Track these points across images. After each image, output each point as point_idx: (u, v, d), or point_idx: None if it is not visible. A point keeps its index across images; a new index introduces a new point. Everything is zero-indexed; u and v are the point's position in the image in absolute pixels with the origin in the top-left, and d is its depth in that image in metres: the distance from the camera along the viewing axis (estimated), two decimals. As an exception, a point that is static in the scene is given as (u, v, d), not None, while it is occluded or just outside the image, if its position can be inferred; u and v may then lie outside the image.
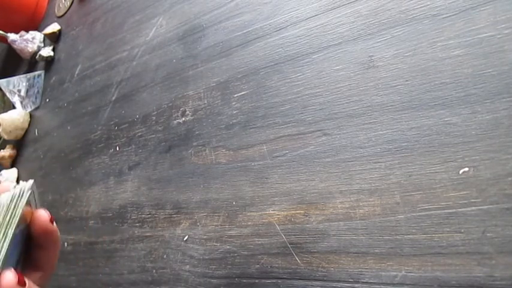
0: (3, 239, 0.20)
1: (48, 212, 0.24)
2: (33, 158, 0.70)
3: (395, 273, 0.25)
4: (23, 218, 0.22)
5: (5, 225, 0.21)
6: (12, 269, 0.20)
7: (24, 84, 0.77)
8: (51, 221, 0.24)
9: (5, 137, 0.74)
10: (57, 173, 0.61)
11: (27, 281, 0.21)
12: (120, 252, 0.44)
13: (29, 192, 0.22)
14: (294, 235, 0.30)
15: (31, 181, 0.23)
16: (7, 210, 0.21)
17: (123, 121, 0.52)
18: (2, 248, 0.20)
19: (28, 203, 0.22)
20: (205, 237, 0.36)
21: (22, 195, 0.22)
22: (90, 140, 0.57)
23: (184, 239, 0.38)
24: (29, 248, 0.24)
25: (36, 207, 0.24)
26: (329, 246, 0.28)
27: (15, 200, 0.21)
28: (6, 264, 0.20)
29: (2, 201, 0.21)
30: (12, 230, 0.21)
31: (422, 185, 0.26)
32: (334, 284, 0.27)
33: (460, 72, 0.26)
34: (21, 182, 0.23)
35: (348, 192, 0.29)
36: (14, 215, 0.21)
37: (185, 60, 0.47)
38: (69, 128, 0.63)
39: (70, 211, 0.55)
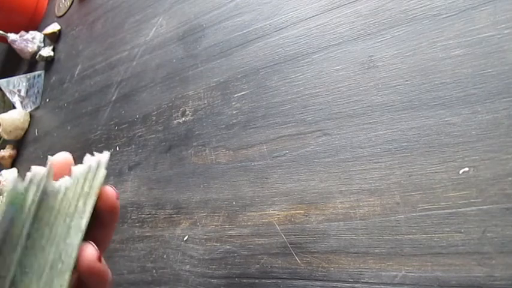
0: (83, 211, 0.20)
1: (115, 189, 0.23)
2: (33, 158, 0.70)
3: (395, 273, 0.25)
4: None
5: (84, 196, 0.20)
6: (93, 243, 0.20)
7: (24, 84, 0.77)
8: (117, 198, 0.23)
9: (5, 137, 0.74)
10: (57, 173, 0.61)
11: (102, 258, 0.20)
12: (120, 252, 0.44)
13: (106, 164, 0.21)
14: (294, 235, 0.30)
15: (107, 153, 0.22)
16: (84, 181, 0.20)
17: (123, 121, 0.52)
18: (82, 219, 0.20)
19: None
20: (205, 237, 0.36)
21: (99, 167, 0.21)
22: (90, 140, 0.57)
23: (184, 239, 0.38)
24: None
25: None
26: (329, 246, 0.28)
27: (93, 172, 0.21)
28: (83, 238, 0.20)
29: (76, 174, 0.20)
30: (92, 202, 0.20)
31: (422, 185, 0.26)
32: (334, 284, 0.27)
33: (460, 72, 0.26)
34: (96, 154, 0.22)
35: (348, 192, 0.29)
36: (93, 187, 0.20)
37: (185, 60, 0.47)
38: (69, 128, 0.63)
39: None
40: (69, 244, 0.19)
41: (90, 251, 0.20)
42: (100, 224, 0.23)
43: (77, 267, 0.20)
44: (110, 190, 0.22)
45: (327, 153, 0.31)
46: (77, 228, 0.20)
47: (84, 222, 0.20)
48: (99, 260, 0.21)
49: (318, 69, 0.34)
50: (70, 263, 0.19)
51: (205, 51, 0.45)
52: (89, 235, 0.23)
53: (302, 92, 0.34)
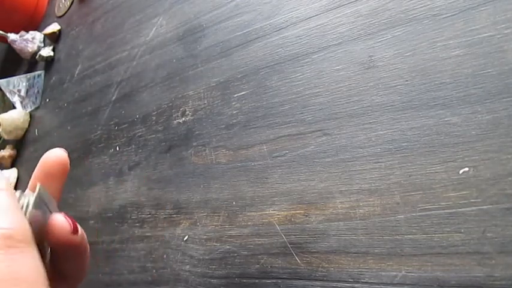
0: None
1: (69, 220, 0.19)
2: (33, 158, 0.70)
3: (395, 273, 0.25)
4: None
5: None
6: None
7: (24, 84, 0.77)
8: (74, 231, 0.19)
9: (5, 137, 0.74)
10: (57, 173, 0.61)
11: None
12: (120, 252, 0.44)
13: (33, 200, 0.18)
14: (294, 235, 0.30)
15: (38, 186, 0.19)
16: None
17: (123, 121, 0.52)
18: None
19: (37, 210, 0.18)
20: (205, 237, 0.36)
21: (28, 206, 0.18)
22: (90, 140, 0.57)
23: (184, 239, 0.38)
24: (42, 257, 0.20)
25: (50, 211, 0.20)
26: (329, 246, 0.28)
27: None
28: None
29: None
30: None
31: (422, 185, 0.26)
32: (334, 284, 0.27)
33: (460, 72, 0.26)
34: (27, 190, 0.19)
35: (348, 192, 0.29)
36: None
37: (185, 60, 0.47)
38: (69, 128, 0.63)
39: (70, 211, 0.55)
40: None
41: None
42: (62, 259, 0.20)
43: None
44: (61, 224, 0.19)
45: (327, 153, 0.31)
46: None
47: None
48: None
49: (318, 69, 0.34)
50: None
51: (205, 51, 0.45)
52: (55, 268, 0.21)
53: (302, 92, 0.34)
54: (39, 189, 0.19)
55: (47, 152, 0.22)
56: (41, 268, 0.16)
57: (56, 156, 0.22)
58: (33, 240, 0.17)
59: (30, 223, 0.17)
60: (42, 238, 0.19)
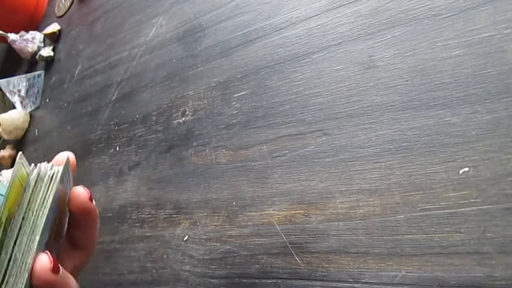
0: (35, 222, 0.19)
1: (87, 190, 0.22)
2: (33, 158, 0.69)
3: (395, 273, 0.25)
4: (56, 198, 0.20)
5: (37, 205, 0.19)
6: (48, 253, 0.19)
7: (24, 84, 0.77)
8: (90, 199, 0.22)
9: (5, 137, 0.74)
10: (57, 173, 0.61)
11: (61, 268, 0.19)
12: (120, 252, 0.44)
13: (61, 172, 0.20)
14: (294, 235, 0.30)
15: (65, 156, 0.21)
16: (34, 189, 0.20)
17: (123, 121, 0.52)
18: (34, 230, 0.19)
19: (61, 180, 0.21)
20: (205, 237, 0.36)
21: (55, 175, 0.20)
22: (90, 140, 0.57)
23: (184, 239, 0.38)
24: (62, 225, 0.23)
25: (70, 185, 0.23)
26: (329, 246, 0.28)
27: (45, 179, 0.20)
28: (39, 247, 0.19)
29: (30, 181, 0.20)
30: (46, 212, 0.19)
31: (422, 185, 0.26)
32: (334, 284, 0.27)
33: (460, 72, 0.26)
34: (56, 158, 0.21)
35: (348, 192, 0.29)
36: (47, 196, 0.20)
37: (185, 60, 0.47)
38: (69, 128, 0.63)
39: (70, 211, 0.54)
40: (29, 248, 0.19)
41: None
42: (78, 226, 0.23)
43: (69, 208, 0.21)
44: (81, 192, 0.22)
45: (327, 153, 0.31)
46: (37, 231, 0.19)
47: (40, 227, 0.19)
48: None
49: (318, 69, 0.34)
50: (26, 267, 0.18)
51: (205, 51, 0.45)
52: (69, 237, 0.23)
53: (302, 92, 0.34)
54: (66, 163, 0.21)
55: (57, 156, 0.23)
56: None
57: (64, 159, 0.23)
58: None
59: (57, 191, 0.20)
60: (64, 205, 0.22)
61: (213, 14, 0.46)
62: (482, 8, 0.26)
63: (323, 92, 0.33)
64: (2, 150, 0.75)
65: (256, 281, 0.31)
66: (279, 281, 0.30)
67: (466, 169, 0.24)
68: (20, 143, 0.75)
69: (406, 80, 0.28)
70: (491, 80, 0.25)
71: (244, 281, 0.32)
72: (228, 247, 0.34)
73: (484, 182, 0.23)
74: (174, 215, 0.40)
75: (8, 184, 0.18)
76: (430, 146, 0.26)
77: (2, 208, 0.18)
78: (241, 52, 0.41)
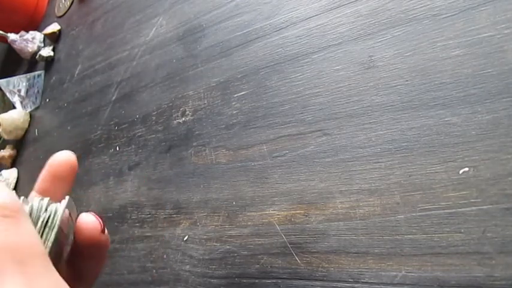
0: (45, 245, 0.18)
1: (98, 219, 0.20)
2: (33, 158, 0.70)
3: (395, 273, 0.25)
4: (60, 231, 0.18)
5: (47, 227, 0.18)
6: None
7: (24, 84, 0.77)
8: (103, 231, 0.20)
9: (5, 137, 0.74)
10: (57, 173, 0.61)
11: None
12: (120, 252, 0.44)
13: (63, 210, 0.19)
14: (294, 235, 0.30)
15: (66, 198, 0.19)
16: (41, 225, 0.18)
17: (123, 121, 0.52)
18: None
19: (65, 217, 0.19)
20: (205, 237, 0.36)
21: (56, 213, 0.18)
22: (90, 140, 0.57)
23: (184, 239, 0.38)
24: (60, 255, 0.20)
25: (76, 214, 0.20)
26: (329, 246, 0.28)
27: (49, 214, 0.18)
28: None
29: (34, 207, 0.19)
30: (54, 235, 0.18)
31: (422, 185, 0.26)
32: (334, 284, 0.27)
33: (460, 72, 0.26)
34: (31, 194, 0.20)
35: (348, 192, 0.29)
36: (51, 231, 0.18)
37: (185, 60, 0.47)
38: (69, 128, 0.63)
39: (70, 211, 0.54)
40: None
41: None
42: (84, 257, 0.20)
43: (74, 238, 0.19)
44: (92, 223, 0.19)
45: (327, 153, 0.31)
46: None
47: None
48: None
49: (318, 69, 0.34)
50: None
51: (205, 51, 0.45)
52: (72, 267, 0.21)
53: (302, 92, 0.34)
54: (69, 202, 0.19)
55: (55, 154, 0.22)
56: (37, 235, 0.17)
57: (64, 158, 0.22)
58: (25, 211, 0.17)
59: (60, 227, 0.18)
60: (64, 240, 0.19)
61: (213, 14, 0.46)
62: (482, 8, 0.26)
63: (323, 92, 0.33)
64: (2, 150, 0.75)
65: (256, 281, 0.31)
66: (279, 281, 0.30)
67: (466, 169, 0.24)
68: (20, 143, 0.75)
69: (406, 80, 0.28)
70: (491, 80, 0.25)
71: (244, 281, 0.32)
72: (228, 247, 0.34)
73: (484, 182, 0.23)
74: (174, 215, 0.40)
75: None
76: (430, 146, 0.26)
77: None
78: (241, 52, 0.41)
